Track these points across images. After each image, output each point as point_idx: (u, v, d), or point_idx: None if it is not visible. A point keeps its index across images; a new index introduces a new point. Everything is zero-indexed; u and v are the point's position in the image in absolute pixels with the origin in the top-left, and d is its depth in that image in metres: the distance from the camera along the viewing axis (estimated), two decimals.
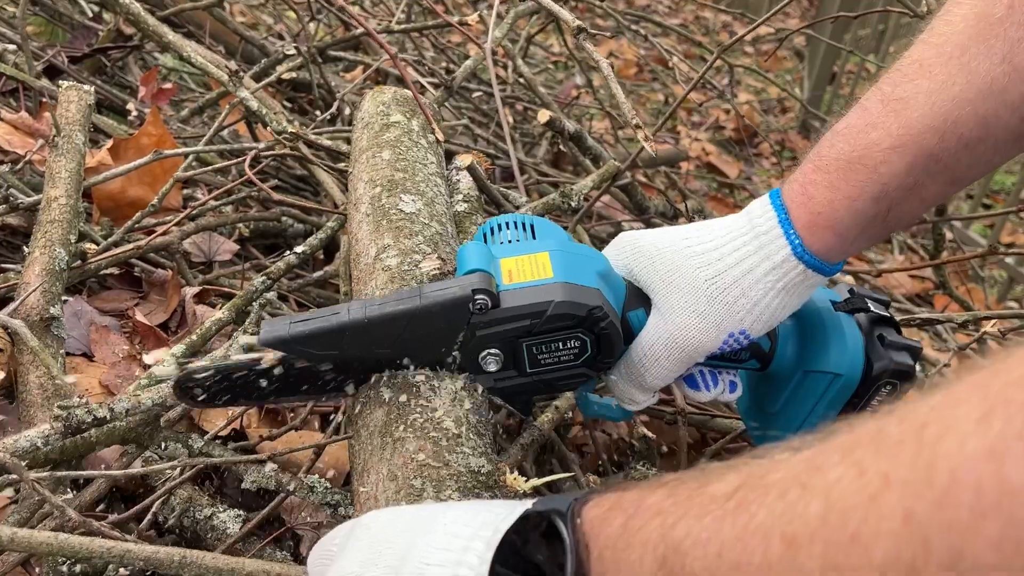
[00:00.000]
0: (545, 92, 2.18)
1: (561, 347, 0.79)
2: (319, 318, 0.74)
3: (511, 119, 2.53)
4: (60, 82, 1.33)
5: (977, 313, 1.35)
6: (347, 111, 1.96)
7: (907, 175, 0.73)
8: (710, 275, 0.79)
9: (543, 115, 1.49)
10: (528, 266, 0.79)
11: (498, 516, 0.56)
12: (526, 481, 0.73)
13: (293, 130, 1.26)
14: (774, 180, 3.54)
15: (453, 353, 0.79)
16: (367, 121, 1.16)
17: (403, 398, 0.78)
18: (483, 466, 0.75)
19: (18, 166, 1.36)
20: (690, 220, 1.93)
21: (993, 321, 1.31)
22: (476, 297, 0.75)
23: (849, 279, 2.36)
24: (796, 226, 0.77)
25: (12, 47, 1.68)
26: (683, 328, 0.79)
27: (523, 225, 0.87)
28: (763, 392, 0.94)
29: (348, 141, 1.42)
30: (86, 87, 1.31)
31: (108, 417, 0.83)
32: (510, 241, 0.85)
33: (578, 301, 0.76)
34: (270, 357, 0.78)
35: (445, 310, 0.75)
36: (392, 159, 1.07)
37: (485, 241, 0.87)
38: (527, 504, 0.56)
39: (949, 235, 2.71)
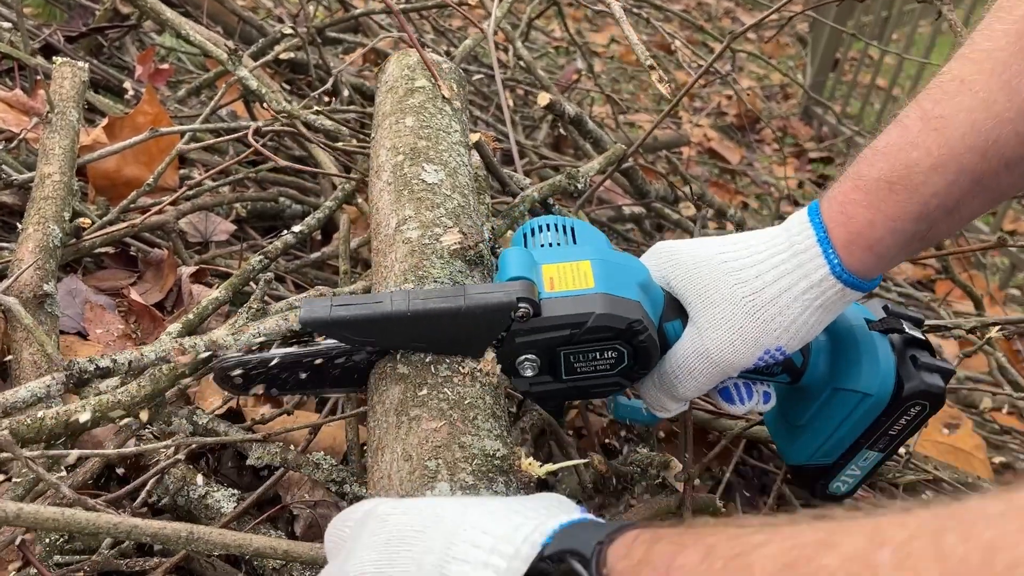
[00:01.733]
0: (545, 76, 2.16)
1: (598, 357, 0.79)
2: (361, 304, 0.74)
3: (511, 102, 2.52)
4: (55, 59, 1.32)
5: (985, 319, 1.34)
6: (345, 92, 1.94)
7: (948, 195, 0.72)
8: (748, 292, 0.79)
9: (543, 98, 1.48)
10: (570, 274, 0.79)
11: (518, 530, 0.54)
12: (540, 466, 0.73)
13: (291, 109, 1.24)
14: (775, 166, 3.52)
15: (495, 351, 0.80)
16: (391, 85, 1.13)
17: (421, 376, 0.77)
18: (498, 449, 0.74)
19: (12, 144, 1.34)
20: (696, 205, 1.91)
21: (998, 327, 1.30)
22: (519, 305, 0.75)
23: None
24: (835, 245, 0.76)
25: (7, 25, 1.66)
26: (719, 343, 0.79)
27: (564, 228, 0.87)
28: (790, 405, 0.94)
29: (346, 122, 1.41)
30: (80, 63, 1.30)
31: (111, 368, 0.82)
32: (551, 244, 0.85)
33: (618, 314, 0.76)
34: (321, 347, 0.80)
35: (487, 313, 0.75)
36: (416, 126, 1.05)
37: (525, 242, 0.87)
38: (549, 524, 0.54)
39: None
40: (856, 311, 0.91)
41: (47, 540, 0.92)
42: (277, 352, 0.82)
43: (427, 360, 0.77)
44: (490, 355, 0.78)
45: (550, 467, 0.75)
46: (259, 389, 0.83)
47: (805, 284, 0.77)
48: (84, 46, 1.85)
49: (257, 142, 1.18)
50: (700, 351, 0.80)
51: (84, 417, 0.82)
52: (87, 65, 1.31)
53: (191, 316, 1.01)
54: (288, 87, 2.10)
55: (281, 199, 1.59)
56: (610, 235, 1.80)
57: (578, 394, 0.83)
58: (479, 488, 0.70)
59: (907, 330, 0.90)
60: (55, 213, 1.13)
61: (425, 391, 0.76)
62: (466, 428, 0.74)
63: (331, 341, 0.79)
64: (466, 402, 0.76)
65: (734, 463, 1.27)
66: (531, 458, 0.75)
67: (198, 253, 1.44)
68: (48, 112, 1.22)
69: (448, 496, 0.68)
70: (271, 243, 1.18)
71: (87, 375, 0.81)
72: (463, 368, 0.78)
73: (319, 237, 1.63)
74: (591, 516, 0.58)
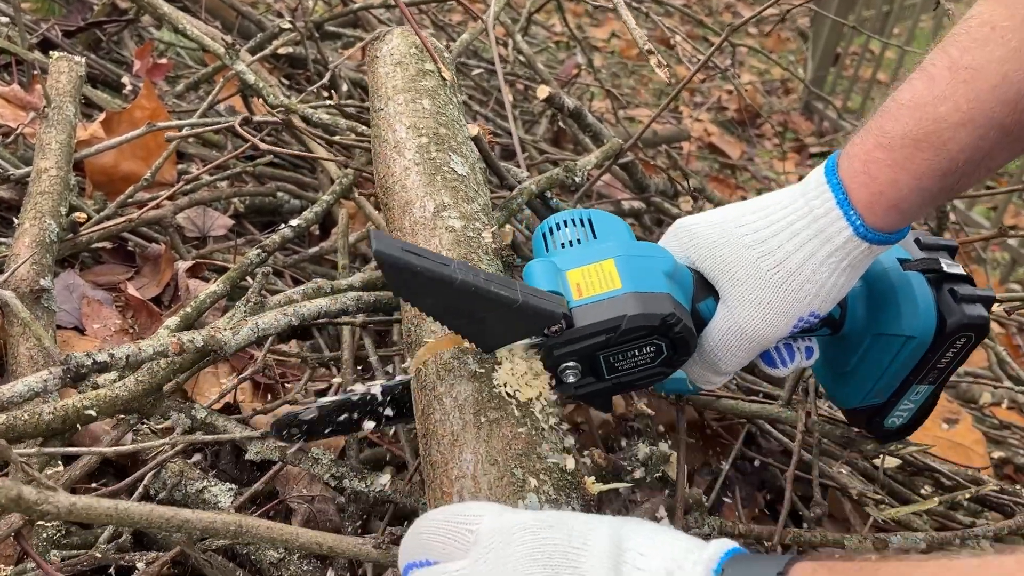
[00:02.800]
0: (545, 70, 2.15)
1: (638, 354, 0.79)
2: (429, 259, 0.72)
3: (511, 98, 2.51)
4: (52, 53, 1.31)
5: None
6: (344, 87, 1.94)
7: (976, 149, 0.70)
8: (772, 264, 0.77)
9: (542, 91, 1.47)
10: (595, 277, 0.79)
11: (688, 555, 0.54)
12: (593, 483, 0.75)
13: (288, 103, 1.24)
14: (776, 161, 3.52)
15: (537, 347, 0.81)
16: (398, 59, 1.12)
17: (493, 376, 0.77)
18: (567, 464, 0.74)
19: (9, 139, 1.34)
20: (693, 199, 1.91)
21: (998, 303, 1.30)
22: (556, 322, 0.75)
23: None
24: (856, 206, 0.74)
25: (5, 20, 1.66)
26: (751, 321, 0.79)
27: (582, 222, 0.86)
28: (834, 354, 0.94)
29: (344, 115, 1.40)
30: (77, 58, 1.30)
31: (108, 362, 0.81)
32: (571, 243, 0.85)
33: (650, 311, 0.76)
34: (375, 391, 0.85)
35: (535, 317, 0.75)
36: (434, 111, 1.05)
37: (544, 243, 0.87)
38: (716, 550, 0.54)
39: (952, 216, 2.69)
40: (889, 252, 0.90)
41: (44, 535, 0.92)
42: (323, 402, 0.86)
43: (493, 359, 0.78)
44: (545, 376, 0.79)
45: (605, 486, 0.76)
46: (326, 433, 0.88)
47: (829, 248, 0.75)
48: (82, 41, 1.84)
49: (255, 136, 1.18)
50: (734, 329, 0.80)
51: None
52: (84, 60, 1.31)
53: (188, 310, 1.01)
54: (287, 82, 2.09)
55: (279, 194, 1.59)
56: None
57: (624, 388, 0.84)
58: (560, 503, 0.70)
59: (944, 266, 0.89)
60: (52, 208, 1.13)
61: (498, 394, 0.76)
62: (540, 438, 0.74)
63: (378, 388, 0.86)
64: (537, 412, 0.76)
65: (733, 457, 1.27)
66: (593, 476, 0.76)
67: (195, 248, 1.43)
68: (45, 107, 1.22)
69: (539, 508, 0.67)
70: (269, 238, 1.17)
71: (84, 370, 0.81)
72: (531, 371, 0.79)
73: (317, 232, 1.63)
74: (737, 545, 0.57)
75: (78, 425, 0.85)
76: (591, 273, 0.79)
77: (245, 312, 0.95)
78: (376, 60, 1.16)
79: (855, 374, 0.92)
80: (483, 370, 0.77)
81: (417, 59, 1.13)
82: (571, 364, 0.79)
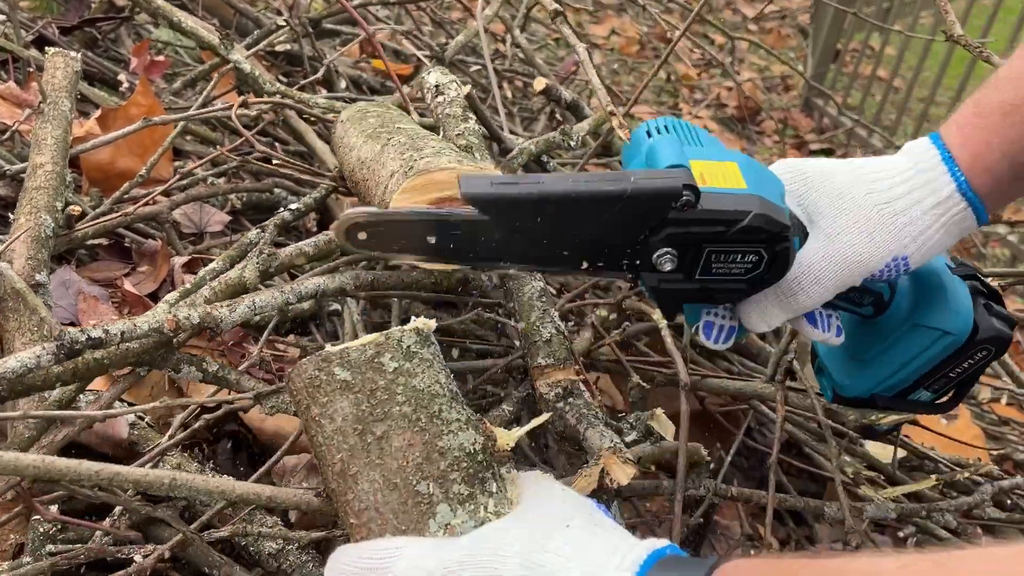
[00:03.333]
0: (544, 66, 2.15)
1: (739, 260, 0.78)
2: (522, 183, 0.72)
3: (509, 94, 2.51)
4: (48, 49, 1.31)
5: None
6: (342, 84, 1.94)
7: None
8: (880, 201, 0.81)
9: (539, 83, 1.48)
10: (719, 173, 0.78)
11: (609, 558, 0.55)
12: (509, 435, 0.71)
13: (284, 90, 1.24)
14: (776, 158, 3.51)
15: (633, 248, 0.77)
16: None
17: (366, 375, 0.69)
18: (475, 441, 0.69)
19: (5, 136, 1.34)
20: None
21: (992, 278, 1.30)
22: (684, 192, 0.73)
23: None
24: (959, 165, 0.79)
25: (1, 17, 1.66)
26: (852, 247, 0.81)
27: (689, 128, 0.85)
28: (860, 338, 0.95)
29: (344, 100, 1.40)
30: (73, 53, 1.30)
31: (103, 338, 0.81)
32: (684, 143, 0.84)
33: (773, 217, 0.76)
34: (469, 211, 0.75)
35: (650, 200, 0.73)
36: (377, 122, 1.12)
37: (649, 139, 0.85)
38: (636, 554, 0.55)
39: None
40: (938, 257, 0.93)
41: (40, 530, 0.92)
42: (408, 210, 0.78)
43: (369, 354, 0.69)
44: None
45: (519, 431, 0.73)
46: (389, 248, 0.79)
47: (933, 200, 0.80)
48: (79, 39, 1.84)
49: (250, 130, 1.17)
50: (830, 255, 0.81)
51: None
52: (80, 55, 1.31)
53: (189, 285, 1.01)
54: (285, 79, 2.09)
55: (277, 190, 1.58)
56: None
57: (701, 296, 0.82)
58: (476, 496, 0.67)
59: (980, 279, 0.93)
60: (47, 203, 1.12)
61: (380, 395, 0.68)
62: (438, 427, 0.68)
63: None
64: (423, 391, 0.69)
65: (735, 447, 1.27)
66: (501, 433, 0.72)
67: (192, 244, 1.43)
68: (40, 102, 1.21)
69: (452, 518, 0.65)
70: (269, 220, 1.17)
71: (79, 346, 0.80)
72: (403, 345, 0.71)
73: (314, 228, 1.63)
74: (668, 543, 0.58)
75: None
76: (715, 168, 0.78)
77: (257, 264, 0.94)
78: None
79: (876, 361, 0.94)
80: (353, 374, 0.68)
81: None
82: (672, 251, 0.77)
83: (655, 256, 0.77)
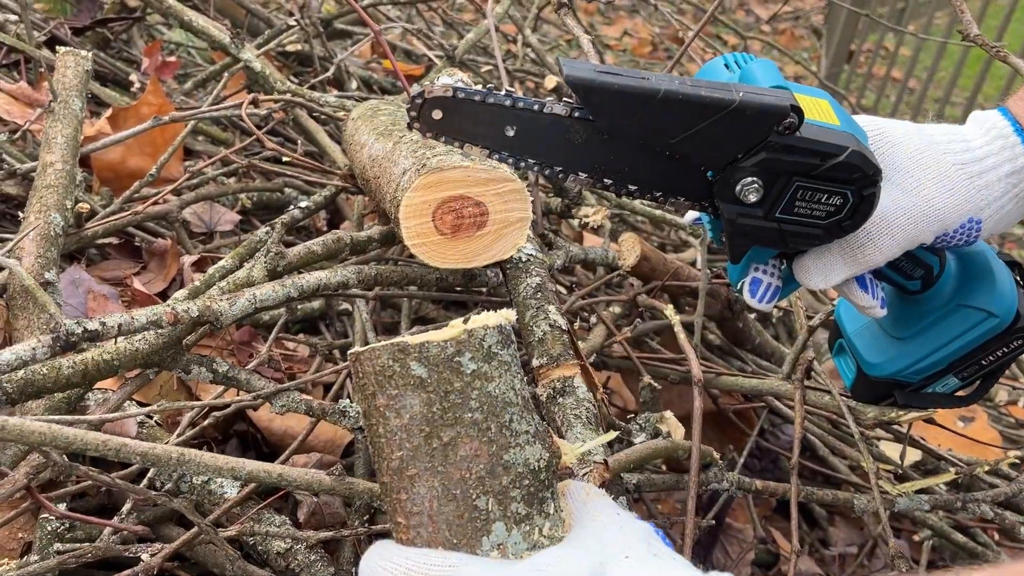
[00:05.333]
0: (554, 64, 2.14)
1: (823, 200, 0.76)
2: (627, 75, 0.69)
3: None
4: (59, 48, 1.31)
5: None
6: (353, 84, 1.93)
7: None
8: (959, 161, 0.82)
9: (550, 81, 1.47)
10: (813, 107, 0.76)
11: None
12: (573, 452, 0.69)
13: (295, 88, 1.24)
14: None
15: (721, 172, 0.75)
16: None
17: (444, 377, 0.62)
18: (540, 457, 0.65)
19: (16, 135, 1.34)
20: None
21: None
22: (790, 114, 0.71)
23: None
24: None
25: (14, 18, 1.67)
26: (930, 200, 0.81)
27: (764, 62, 0.83)
28: (900, 315, 0.94)
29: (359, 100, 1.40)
30: (84, 52, 1.29)
31: (99, 331, 0.80)
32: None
33: (868, 158, 0.74)
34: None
35: (756, 115, 0.71)
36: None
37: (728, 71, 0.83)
38: None
39: None
40: (982, 243, 0.93)
41: (48, 528, 0.92)
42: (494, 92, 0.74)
43: (449, 352, 0.63)
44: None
45: (583, 447, 0.71)
46: (459, 131, 0.75)
47: (1009, 167, 0.81)
48: (91, 39, 1.85)
49: (261, 128, 1.17)
50: (907, 207, 0.81)
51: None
52: (91, 54, 1.31)
53: (198, 283, 1.00)
54: (296, 80, 2.09)
55: (287, 190, 1.58)
56: (619, 224, 1.78)
57: (774, 238, 0.79)
58: (533, 517, 0.64)
59: (1020, 268, 0.94)
60: (57, 202, 1.12)
61: (454, 398, 0.62)
62: (507, 439, 0.63)
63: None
64: (497, 397, 0.63)
65: (748, 447, 1.26)
66: (563, 443, 0.68)
67: (202, 243, 1.43)
68: (51, 101, 1.21)
69: (505, 535, 0.62)
70: (278, 218, 1.17)
71: (75, 338, 0.79)
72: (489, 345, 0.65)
73: (324, 228, 1.62)
74: None
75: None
76: (808, 102, 0.76)
77: (265, 263, 0.94)
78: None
79: (914, 340, 0.93)
80: (430, 372, 0.62)
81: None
82: (759, 182, 0.74)
83: (741, 184, 0.74)
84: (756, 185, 0.74)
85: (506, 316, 0.65)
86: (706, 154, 0.74)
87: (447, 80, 0.72)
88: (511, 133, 0.74)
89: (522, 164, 0.76)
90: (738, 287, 0.86)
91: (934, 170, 0.81)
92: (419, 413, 0.62)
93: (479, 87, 0.74)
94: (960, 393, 0.96)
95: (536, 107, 0.73)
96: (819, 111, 0.76)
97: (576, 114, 0.72)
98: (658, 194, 0.77)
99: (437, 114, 0.73)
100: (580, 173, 0.76)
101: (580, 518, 0.65)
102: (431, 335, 0.63)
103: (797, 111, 0.71)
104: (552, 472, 0.66)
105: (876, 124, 0.85)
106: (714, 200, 0.77)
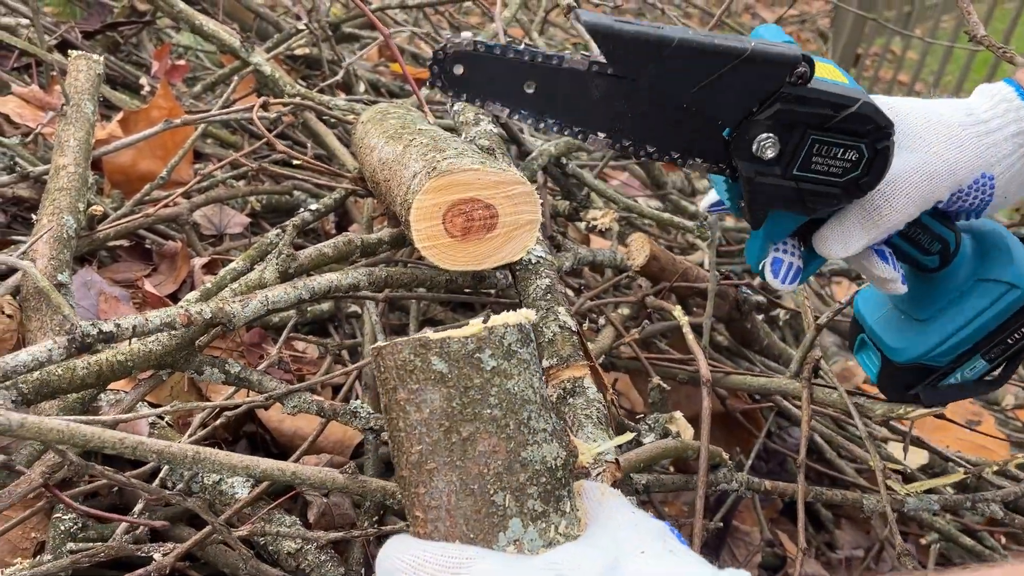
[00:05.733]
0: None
1: (839, 155, 0.78)
2: (643, 24, 0.71)
3: None
4: (70, 52, 1.32)
5: None
6: (362, 88, 1.94)
7: None
8: (967, 123, 0.84)
9: None
10: (820, 68, 0.77)
11: None
12: (589, 451, 0.69)
13: (304, 91, 1.25)
14: None
15: (737, 128, 0.76)
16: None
17: (465, 370, 0.63)
18: (558, 455, 0.65)
19: (28, 138, 1.35)
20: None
21: None
22: (801, 64, 0.73)
23: None
24: None
25: (25, 21, 1.68)
26: (941, 156, 0.83)
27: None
28: (919, 295, 0.94)
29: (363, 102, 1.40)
30: (95, 56, 1.30)
31: (115, 332, 0.81)
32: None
33: (879, 109, 0.76)
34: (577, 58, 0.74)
35: (769, 64, 0.72)
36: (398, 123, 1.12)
37: None
38: None
39: None
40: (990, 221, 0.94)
41: (61, 528, 0.93)
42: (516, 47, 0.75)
43: (469, 348, 0.63)
44: None
45: (599, 447, 0.71)
46: (483, 90, 0.75)
47: (1015, 128, 0.83)
48: (101, 43, 1.86)
49: (271, 131, 1.18)
50: (919, 166, 0.83)
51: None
52: (102, 58, 1.32)
53: (209, 285, 1.01)
54: (304, 83, 2.10)
55: (296, 193, 1.59)
56: (626, 227, 1.79)
57: (794, 197, 0.80)
58: (549, 514, 0.64)
59: None
60: (70, 204, 1.13)
61: (473, 394, 0.63)
62: (525, 436, 0.64)
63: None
64: (516, 395, 0.64)
65: (756, 448, 1.26)
66: (580, 442, 0.68)
67: (212, 246, 1.44)
68: (63, 104, 1.22)
69: (521, 531, 0.62)
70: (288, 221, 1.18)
71: (90, 339, 0.80)
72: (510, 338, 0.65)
73: (333, 231, 1.63)
74: (736, 572, 0.56)
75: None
76: (816, 64, 0.77)
77: (277, 266, 0.95)
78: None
79: (935, 321, 0.93)
80: (450, 367, 0.63)
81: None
82: (775, 137, 0.76)
83: (757, 141, 0.76)
84: (772, 140, 0.76)
85: (526, 315, 0.66)
86: (721, 107, 0.75)
87: (468, 34, 0.74)
88: (531, 90, 0.75)
89: (541, 124, 0.77)
90: (759, 269, 0.87)
91: (944, 132, 0.83)
92: (439, 408, 0.62)
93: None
94: (988, 377, 0.95)
95: (555, 61, 0.74)
96: (827, 72, 0.78)
97: (594, 68, 0.74)
98: (676, 155, 0.78)
99: (459, 69, 0.74)
100: (599, 133, 0.77)
101: (596, 517, 0.65)
102: (452, 332, 0.64)
103: (808, 60, 0.73)
104: (569, 471, 0.66)
105: (882, 100, 0.87)
106: (731, 160, 0.78)
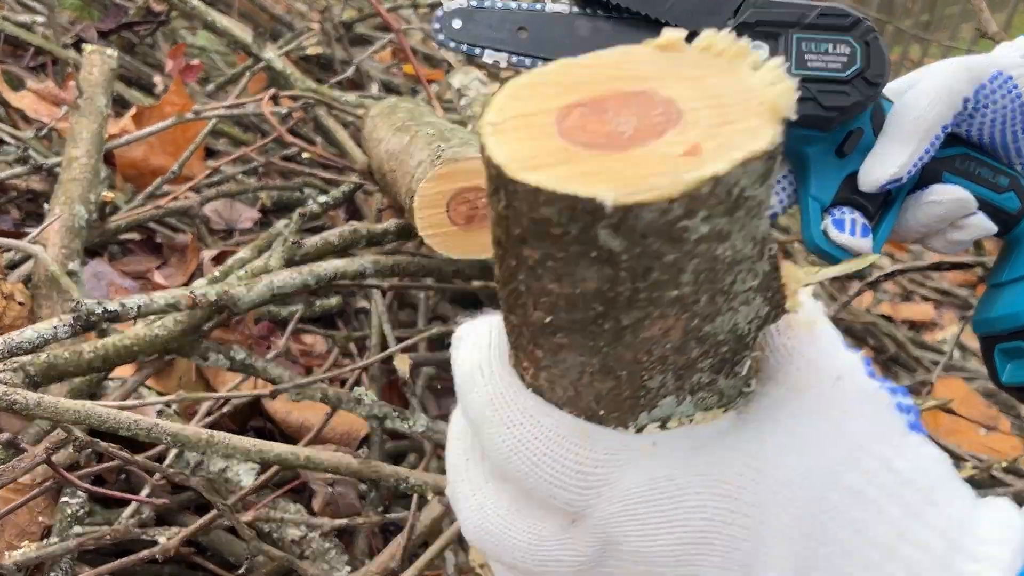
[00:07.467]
0: None
1: (830, 50, 0.79)
2: None
3: None
4: (85, 46, 1.34)
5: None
6: (374, 88, 1.95)
7: None
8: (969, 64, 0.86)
9: None
10: None
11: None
12: (804, 273, 0.46)
13: (316, 87, 1.25)
14: None
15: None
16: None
17: (654, 247, 0.37)
18: (755, 317, 0.42)
19: (42, 132, 1.37)
20: None
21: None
22: None
23: (887, 261, 2.32)
24: None
25: (41, 19, 1.70)
26: (954, 60, 0.83)
27: None
28: (996, 263, 0.91)
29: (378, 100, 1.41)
30: (109, 51, 1.32)
31: (119, 311, 0.82)
32: None
33: (849, 10, 0.78)
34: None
35: None
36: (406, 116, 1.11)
37: None
38: None
39: None
40: None
41: (68, 511, 0.93)
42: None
43: (676, 214, 0.36)
44: None
45: (817, 277, 0.51)
46: (483, 41, 0.81)
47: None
48: (117, 43, 1.88)
49: (283, 124, 1.19)
50: (934, 70, 0.82)
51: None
52: (116, 53, 1.33)
53: (216, 273, 1.02)
54: (317, 83, 2.12)
55: (306, 189, 1.60)
56: None
57: (808, 109, 0.79)
58: (717, 381, 0.43)
59: None
60: (81, 195, 1.14)
61: (656, 275, 0.39)
62: (716, 307, 0.39)
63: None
64: (725, 259, 0.38)
65: None
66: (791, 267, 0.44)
67: (222, 240, 1.45)
68: (77, 98, 1.24)
69: (673, 406, 0.43)
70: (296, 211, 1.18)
71: (95, 318, 0.81)
72: None
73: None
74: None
75: None
76: None
77: (282, 252, 0.95)
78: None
79: (1015, 287, 0.87)
80: (628, 250, 0.37)
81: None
82: (762, 44, 0.78)
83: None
84: (758, 45, 0.78)
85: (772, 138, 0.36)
86: (699, 19, 0.77)
87: None
88: (524, 36, 0.80)
89: (539, 65, 0.82)
90: (822, 233, 0.83)
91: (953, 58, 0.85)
92: (593, 289, 0.39)
93: None
94: None
95: (539, 5, 0.80)
96: None
97: (575, 9, 0.79)
98: None
99: (457, 23, 0.80)
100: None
101: (775, 370, 0.44)
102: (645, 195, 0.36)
103: None
104: (759, 328, 0.44)
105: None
106: None
